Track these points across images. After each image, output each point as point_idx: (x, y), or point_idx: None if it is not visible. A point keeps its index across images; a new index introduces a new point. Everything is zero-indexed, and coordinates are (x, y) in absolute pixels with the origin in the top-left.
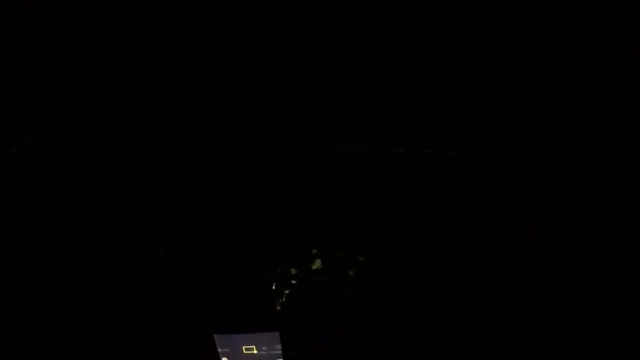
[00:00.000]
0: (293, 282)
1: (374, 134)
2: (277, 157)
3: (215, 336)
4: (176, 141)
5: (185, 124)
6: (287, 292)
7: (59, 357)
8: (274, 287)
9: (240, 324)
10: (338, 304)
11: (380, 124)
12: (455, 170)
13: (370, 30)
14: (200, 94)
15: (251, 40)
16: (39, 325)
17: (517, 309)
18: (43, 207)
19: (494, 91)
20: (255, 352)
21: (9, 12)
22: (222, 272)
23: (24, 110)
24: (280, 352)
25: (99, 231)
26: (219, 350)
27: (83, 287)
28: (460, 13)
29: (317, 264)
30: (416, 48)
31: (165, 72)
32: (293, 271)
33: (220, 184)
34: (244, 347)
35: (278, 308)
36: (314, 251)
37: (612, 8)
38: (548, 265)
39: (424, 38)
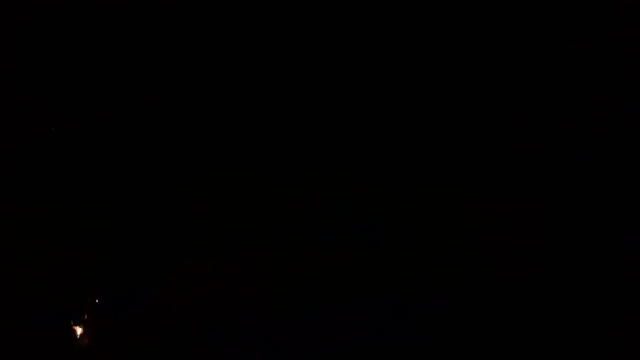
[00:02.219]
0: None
1: (373, 133)
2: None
3: None
4: (174, 142)
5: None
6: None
7: None
8: None
9: None
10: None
11: (379, 123)
12: (455, 169)
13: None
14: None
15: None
16: None
17: (517, 309)
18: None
19: (493, 89)
20: None
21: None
22: None
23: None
24: None
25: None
26: None
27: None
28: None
29: None
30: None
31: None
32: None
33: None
34: None
35: None
36: None
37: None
38: (548, 265)
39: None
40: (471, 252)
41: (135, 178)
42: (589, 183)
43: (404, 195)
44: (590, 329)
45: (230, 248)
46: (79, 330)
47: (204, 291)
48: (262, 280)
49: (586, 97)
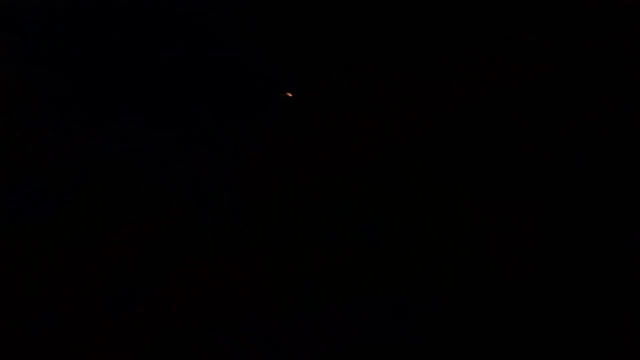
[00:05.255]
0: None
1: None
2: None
3: None
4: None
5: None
6: None
7: None
8: None
9: None
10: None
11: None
12: (455, 169)
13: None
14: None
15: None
16: None
17: (517, 309)
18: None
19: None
20: None
21: None
22: None
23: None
24: None
25: None
26: None
27: None
28: None
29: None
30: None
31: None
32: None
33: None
34: None
35: None
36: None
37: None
38: (548, 265)
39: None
40: (471, 252)
41: (135, 177)
42: (589, 183)
43: (404, 195)
44: (591, 329)
45: (230, 248)
46: (79, 331)
47: (204, 291)
48: (262, 280)
49: (586, 97)
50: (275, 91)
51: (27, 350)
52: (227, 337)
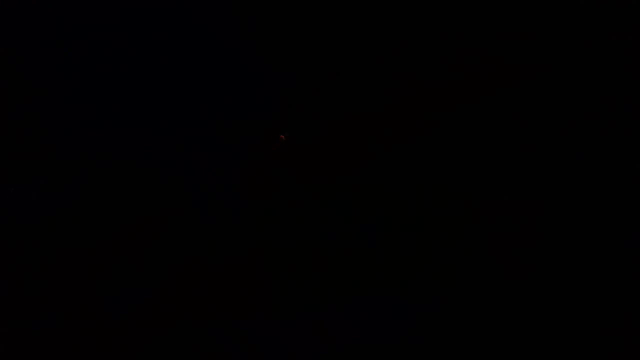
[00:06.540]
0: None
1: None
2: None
3: None
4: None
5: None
6: None
7: None
8: None
9: None
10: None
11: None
12: (455, 169)
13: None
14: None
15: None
16: None
17: (517, 309)
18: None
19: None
20: None
21: None
22: None
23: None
24: None
25: None
26: None
27: None
28: None
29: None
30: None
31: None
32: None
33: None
34: None
35: None
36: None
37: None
38: (548, 265)
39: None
40: (471, 252)
41: (135, 179)
42: (589, 183)
43: (404, 195)
44: (591, 329)
45: (230, 248)
46: (79, 331)
47: (204, 291)
48: (262, 280)
49: (586, 97)
50: (275, 91)
51: (27, 350)
52: (227, 337)
